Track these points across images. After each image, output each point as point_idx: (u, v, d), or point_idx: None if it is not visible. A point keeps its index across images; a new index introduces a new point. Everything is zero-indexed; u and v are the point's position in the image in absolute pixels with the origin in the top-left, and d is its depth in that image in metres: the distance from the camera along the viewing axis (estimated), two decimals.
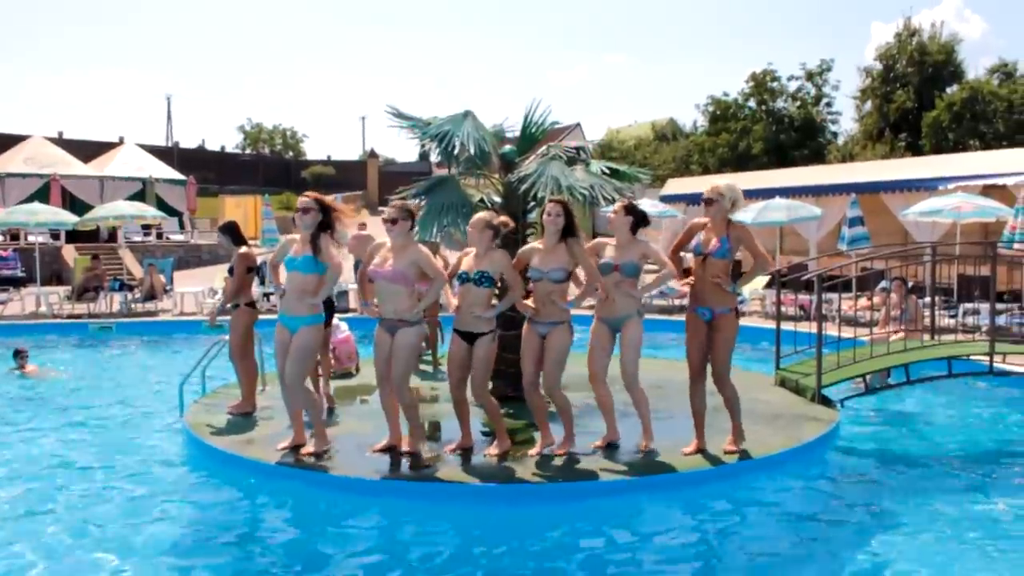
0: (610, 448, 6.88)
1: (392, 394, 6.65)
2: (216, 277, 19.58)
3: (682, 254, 7.18)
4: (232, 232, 8.46)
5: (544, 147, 8.58)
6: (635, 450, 6.82)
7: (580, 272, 6.64)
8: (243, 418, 8.02)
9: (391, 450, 6.80)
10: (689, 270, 7.02)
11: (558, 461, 6.60)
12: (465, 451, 6.82)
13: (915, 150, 34.64)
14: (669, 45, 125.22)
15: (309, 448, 6.79)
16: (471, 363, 6.58)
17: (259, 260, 10.56)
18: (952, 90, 36.03)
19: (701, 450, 6.81)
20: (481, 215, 6.63)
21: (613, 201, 8.10)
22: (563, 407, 6.75)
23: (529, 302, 6.60)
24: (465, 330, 6.56)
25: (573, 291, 6.77)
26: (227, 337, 8.53)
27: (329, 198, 7.16)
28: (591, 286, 6.62)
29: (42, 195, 26.66)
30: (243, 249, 8.32)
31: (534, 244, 6.69)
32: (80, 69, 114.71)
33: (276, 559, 5.52)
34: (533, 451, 6.74)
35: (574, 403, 6.92)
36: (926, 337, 10.00)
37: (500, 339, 7.79)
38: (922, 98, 36.48)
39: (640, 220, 6.73)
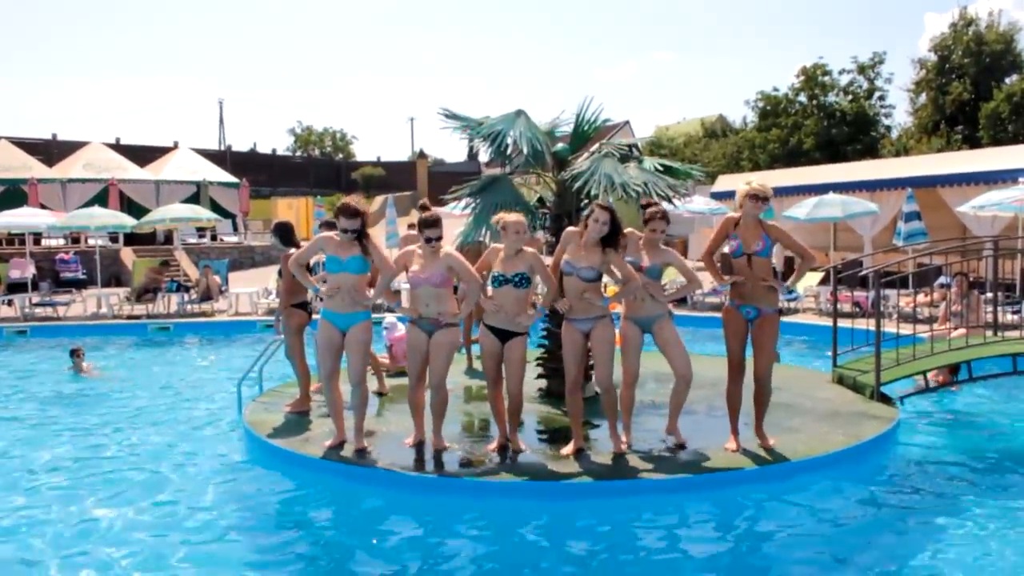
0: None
1: (419, 391, 6.82)
2: (270, 278, 19.86)
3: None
4: (282, 233, 8.49)
5: (596, 144, 8.56)
6: (675, 447, 6.81)
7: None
8: (300, 416, 8.12)
9: (420, 444, 6.93)
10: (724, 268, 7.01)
11: (602, 459, 6.58)
12: (502, 449, 6.83)
13: (972, 143, 33.84)
14: (717, 41, 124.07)
15: (359, 443, 6.87)
16: (504, 361, 6.66)
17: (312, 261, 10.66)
18: (1012, 80, 35.14)
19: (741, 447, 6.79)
20: (519, 216, 6.59)
21: (667, 198, 8.08)
22: (614, 404, 6.73)
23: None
24: (500, 327, 6.58)
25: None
26: (282, 336, 8.69)
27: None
28: (632, 285, 6.54)
29: (101, 199, 27.28)
30: (290, 251, 8.36)
31: (572, 235, 6.53)
32: (135, 76, 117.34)
33: (328, 553, 5.60)
34: (567, 450, 6.69)
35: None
36: (988, 333, 9.78)
37: (555, 337, 7.82)
38: (979, 89, 35.61)
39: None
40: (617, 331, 6.71)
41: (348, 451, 6.83)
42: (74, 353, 12.04)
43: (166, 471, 7.26)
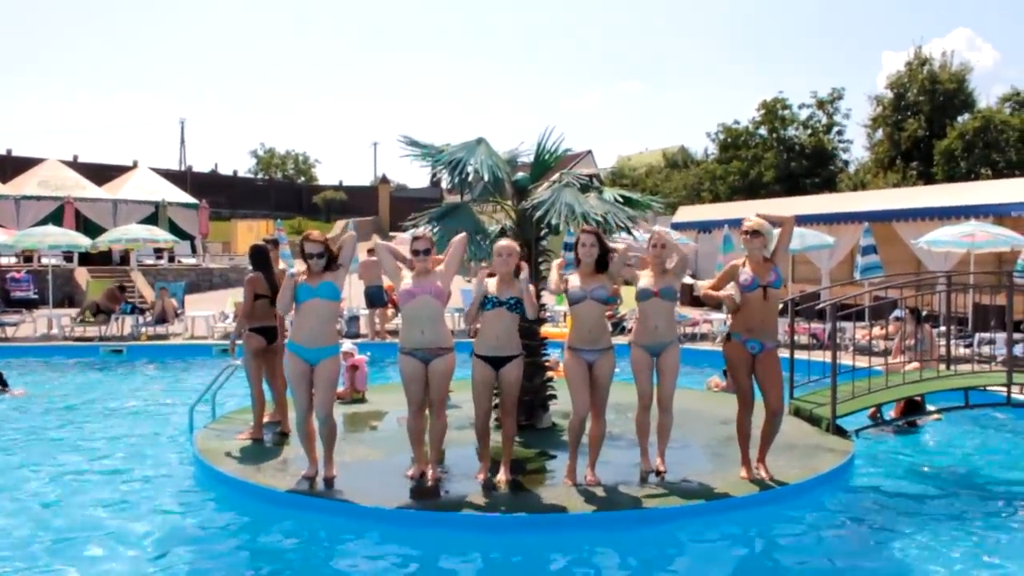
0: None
1: (419, 420, 6.72)
2: (227, 301, 19.62)
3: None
4: (254, 256, 8.31)
5: (557, 174, 8.58)
6: (651, 477, 6.78)
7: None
8: (253, 444, 7.97)
9: (423, 476, 6.77)
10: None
11: (589, 489, 6.53)
12: (487, 481, 6.74)
13: (927, 179, 34.54)
14: (680, 73, 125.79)
15: (330, 472, 6.78)
16: (500, 384, 6.66)
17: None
18: (964, 119, 35.97)
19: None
20: (511, 242, 6.70)
21: (626, 229, 8.11)
22: (601, 435, 6.75)
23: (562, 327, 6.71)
24: (493, 355, 6.57)
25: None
26: (239, 362, 8.56)
27: (339, 223, 7.20)
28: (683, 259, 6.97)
29: (56, 218, 26.82)
30: (251, 274, 8.23)
31: (570, 276, 6.67)
32: (95, 93, 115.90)
33: None
34: (590, 478, 6.65)
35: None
36: (941, 367, 9.91)
37: (524, 367, 7.75)
38: (933, 127, 36.40)
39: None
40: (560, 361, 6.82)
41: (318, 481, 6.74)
42: None
43: (113, 496, 7.06)
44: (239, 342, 8.45)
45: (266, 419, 8.37)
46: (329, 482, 6.71)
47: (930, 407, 9.42)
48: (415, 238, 6.66)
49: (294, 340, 6.69)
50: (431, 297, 6.49)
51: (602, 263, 6.60)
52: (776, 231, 6.85)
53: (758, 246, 6.77)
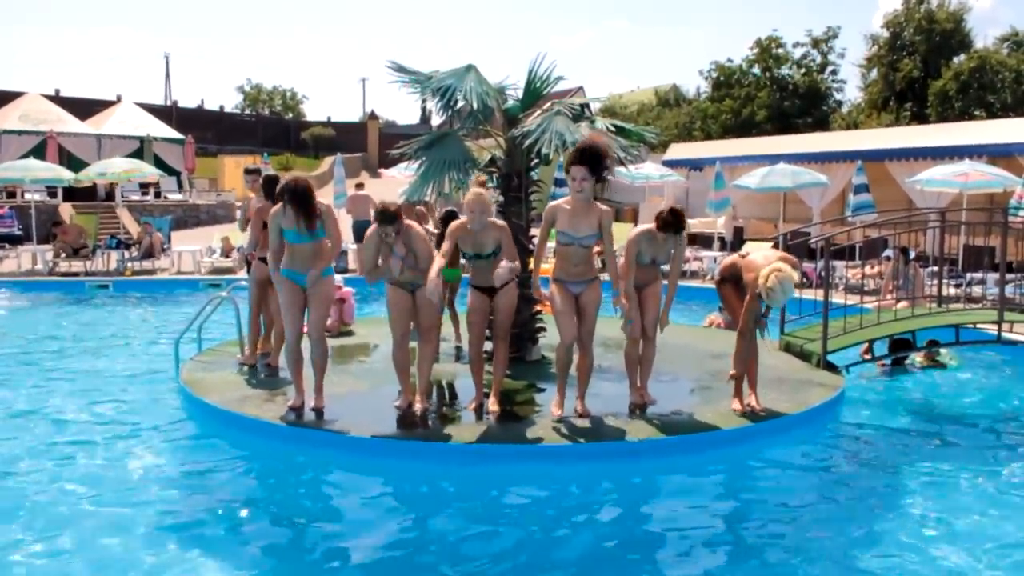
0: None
1: (404, 351, 6.63)
2: (214, 236, 19.43)
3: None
4: (266, 185, 8.11)
5: (548, 103, 8.37)
6: (625, 413, 6.74)
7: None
8: (240, 375, 7.89)
9: (410, 406, 6.69)
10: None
11: (579, 422, 6.46)
12: (479, 408, 6.71)
13: (921, 119, 34.31)
14: (672, 10, 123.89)
15: (314, 403, 6.71)
16: (493, 314, 6.66)
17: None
18: (960, 59, 35.62)
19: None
20: (481, 194, 6.42)
21: (619, 160, 7.93)
22: (590, 367, 6.62)
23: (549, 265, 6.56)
24: (488, 286, 6.53)
25: None
26: (223, 294, 8.54)
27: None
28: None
29: (38, 153, 26.37)
30: (262, 203, 8.08)
31: (560, 203, 6.28)
32: (77, 26, 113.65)
33: (269, 515, 5.43)
34: (580, 409, 6.51)
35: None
36: (932, 306, 9.87)
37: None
38: (928, 67, 36.08)
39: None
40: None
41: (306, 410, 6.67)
42: None
43: (94, 431, 7.00)
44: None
45: (257, 350, 8.32)
46: (318, 413, 6.64)
47: (943, 351, 9.38)
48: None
49: (287, 267, 6.59)
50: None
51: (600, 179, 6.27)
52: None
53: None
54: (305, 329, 6.84)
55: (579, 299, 6.43)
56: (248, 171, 8.84)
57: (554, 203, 6.33)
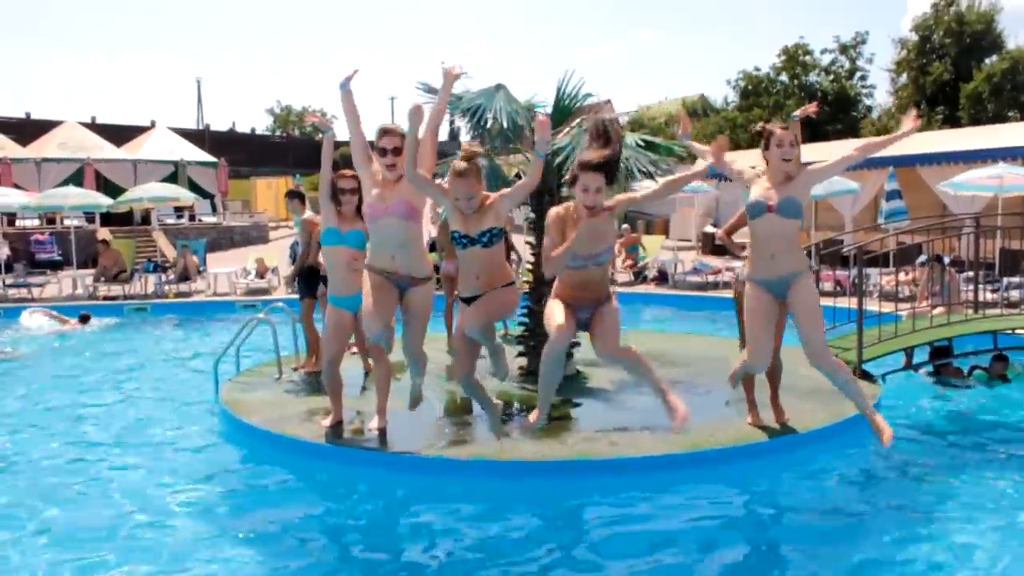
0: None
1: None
2: (248, 258, 19.67)
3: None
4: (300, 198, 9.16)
5: (577, 119, 8.44)
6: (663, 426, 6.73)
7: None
8: (280, 396, 8.02)
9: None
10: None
11: (606, 435, 6.48)
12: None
13: (953, 123, 33.93)
14: (698, 20, 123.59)
15: (376, 424, 6.67)
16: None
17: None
18: (991, 60, 35.22)
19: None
20: (470, 161, 5.17)
21: (649, 175, 7.99)
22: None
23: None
24: (475, 295, 5.29)
25: None
26: (261, 315, 8.76)
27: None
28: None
29: (77, 179, 26.84)
30: (312, 217, 8.58)
31: (558, 218, 5.05)
32: (111, 53, 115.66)
33: (308, 535, 5.51)
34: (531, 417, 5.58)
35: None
36: (968, 312, 9.78)
37: (536, 315, 7.76)
38: (959, 70, 35.68)
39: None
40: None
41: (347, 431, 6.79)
42: None
43: (141, 450, 7.14)
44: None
45: (310, 367, 8.75)
46: (381, 433, 6.61)
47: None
48: (383, 132, 5.78)
49: (334, 294, 6.66)
50: (398, 219, 5.67)
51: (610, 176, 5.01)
52: None
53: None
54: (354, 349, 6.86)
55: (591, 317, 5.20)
56: (291, 194, 9.31)
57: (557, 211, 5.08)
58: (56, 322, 14.24)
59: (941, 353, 9.05)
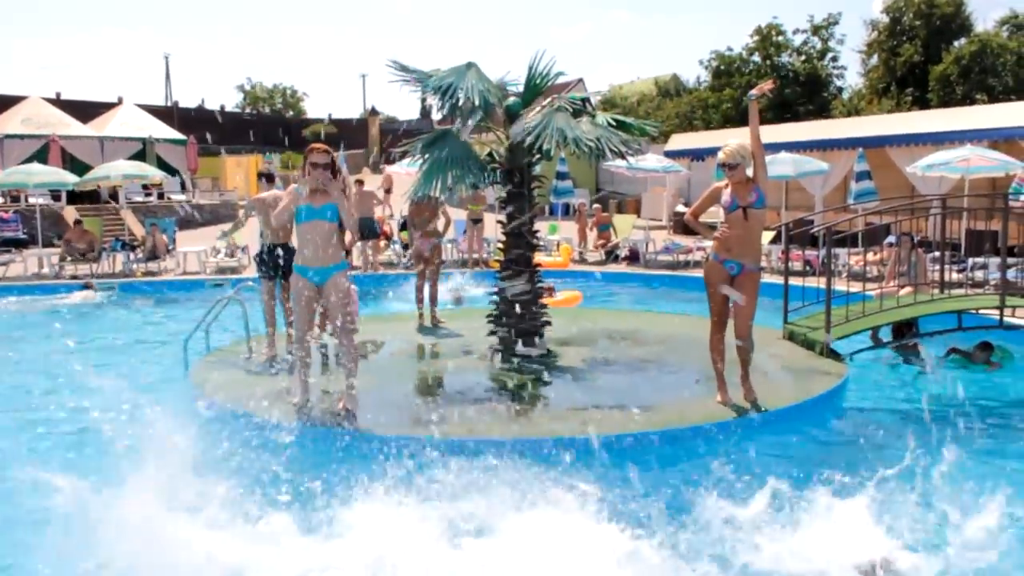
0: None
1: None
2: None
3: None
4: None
5: (548, 99, 8.42)
6: (642, 403, 6.79)
7: None
8: (248, 375, 7.98)
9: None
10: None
11: (576, 414, 6.51)
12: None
13: (922, 104, 34.21)
14: (673, 0, 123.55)
15: (345, 404, 6.72)
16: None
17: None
18: (960, 43, 35.52)
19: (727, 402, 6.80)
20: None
21: (620, 154, 8.00)
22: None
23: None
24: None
25: None
26: (230, 294, 8.66)
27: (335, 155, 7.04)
28: None
29: (41, 156, 26.42)
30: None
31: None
32: (75, 28, 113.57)
33: (275, 507, 5.48)
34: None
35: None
36: (935, 291, 9.91)
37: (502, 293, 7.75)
38: (929, 52, 35.94)
39: None
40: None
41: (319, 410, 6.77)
42: None
43: (107, 430, 7.06)
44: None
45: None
46: (346, 413, 6.64)
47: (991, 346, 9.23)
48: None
49: (299, 262, 6.63)
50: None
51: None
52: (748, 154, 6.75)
53: (736, 176, 6.67)
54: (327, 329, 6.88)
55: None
56: (264, 176, 9.24)
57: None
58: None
59: (903, 330, 9.16)
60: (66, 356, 10.26)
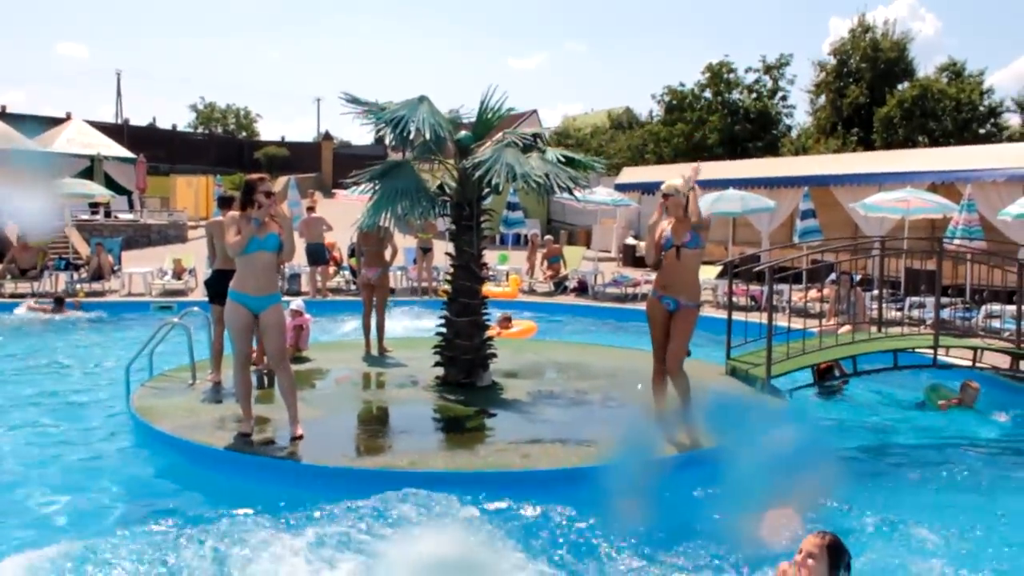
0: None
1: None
2: (166, 257, 19.27)
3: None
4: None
5: (500, 134, 8.53)
6: (576, 439, 6.85)
7: None
8: (193, 401, 7.90)
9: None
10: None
11: (518, 447, 6.54)
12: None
13: (867, 145, 35.13)
14: (628, 34, 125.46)
15: (295, 431, 6.74)
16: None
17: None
18: (903, 87, 36.58)
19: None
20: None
21: (568, 190, 8.13)
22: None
23: None
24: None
25: None
26: (175, 319, 8.59)
27: (282, 179, 7.10)
28: None
29: None
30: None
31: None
32: (23, 43, 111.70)
33: (205, 539, 5.43)
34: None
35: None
36: (873, 329, 10.16)
37: (453, 326, 7.81)
38: (874, 94, 36.97)
39: None
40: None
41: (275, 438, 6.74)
42: None
43: (46, 458, 6.95)
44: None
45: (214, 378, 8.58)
46: (296, 440, 6.65)
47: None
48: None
49: (239, 290, 6.62)
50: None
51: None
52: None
53: (672, 206, 6.89)
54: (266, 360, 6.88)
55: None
56: (219, 200, 9.24)
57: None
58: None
59: (825, 375, 9.49)
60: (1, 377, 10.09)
